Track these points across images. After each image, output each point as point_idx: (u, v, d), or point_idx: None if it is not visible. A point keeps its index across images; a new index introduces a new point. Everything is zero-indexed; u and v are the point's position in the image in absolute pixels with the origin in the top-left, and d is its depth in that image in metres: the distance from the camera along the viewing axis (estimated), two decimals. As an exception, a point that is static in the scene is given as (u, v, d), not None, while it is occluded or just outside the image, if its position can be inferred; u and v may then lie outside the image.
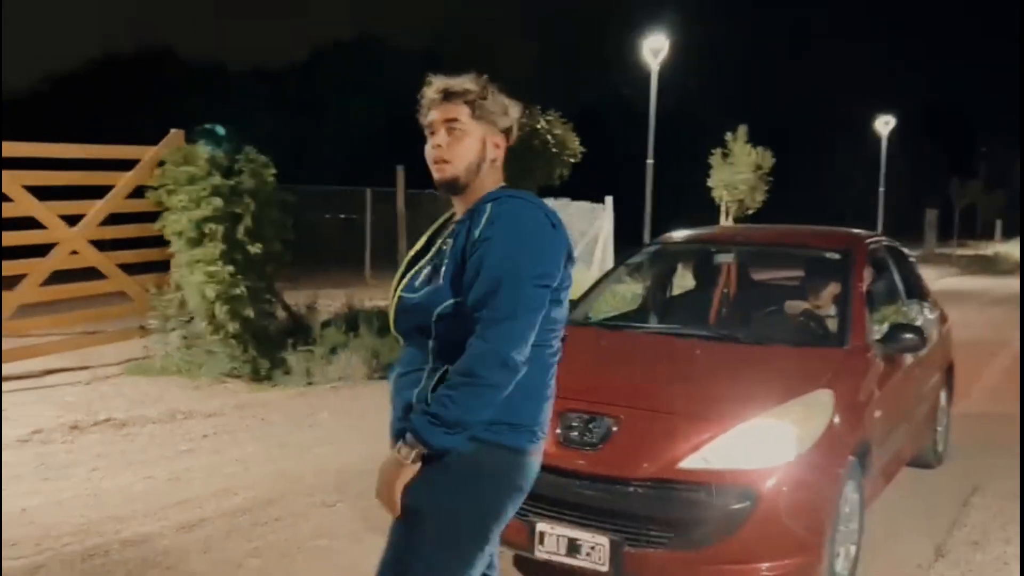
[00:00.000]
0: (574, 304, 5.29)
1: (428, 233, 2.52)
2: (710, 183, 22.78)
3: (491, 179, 2.43)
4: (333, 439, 6.59)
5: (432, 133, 2.41)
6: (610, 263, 16.94)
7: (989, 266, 33.83)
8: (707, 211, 23.19)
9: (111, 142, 9.11)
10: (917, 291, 6.08)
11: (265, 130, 26.59)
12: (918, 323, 5.28)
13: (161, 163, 8.65)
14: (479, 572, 2.39)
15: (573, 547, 3.75)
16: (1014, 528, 4.89)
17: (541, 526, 3.81)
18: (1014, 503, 5.26)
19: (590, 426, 3.88)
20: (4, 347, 8.08)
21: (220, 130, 9.07)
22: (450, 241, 2.36)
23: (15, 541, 4.43)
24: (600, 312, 6.25)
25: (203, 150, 8.50)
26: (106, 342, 8.92)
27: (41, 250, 8.31)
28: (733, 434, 3.71)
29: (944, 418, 6.21)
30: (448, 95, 2.38)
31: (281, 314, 9.52)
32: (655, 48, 20.40)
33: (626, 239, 18.04)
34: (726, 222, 22.11)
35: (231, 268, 8.12)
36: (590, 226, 17.31)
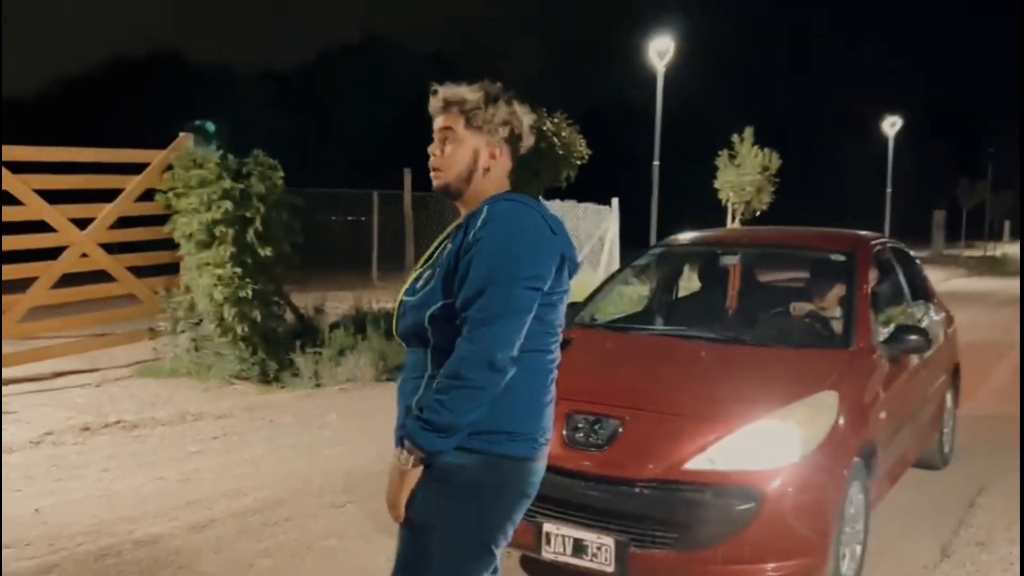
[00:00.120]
0: (581, 306, 5.33)
1: (439, 240, 2.53)
2: (716, 185, 22.77)
3: (492, 185, 2.43)
4: (342, 440, 6.63)
5: (433, 141, 2.47)
6: (616, 265, 16.96)
7: (997, 267, 33.78)
8: (713, 213, 23.18)
9: (119, 145, 9.17)
10: (922, 292, 6.10)
11: (272, 132, 26.71)
12: (923, 324, 5.30)
13: (170, 167, 8.72)
14: None
15: (579, 548, 3.78)
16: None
17: (547, 527, 3.84)
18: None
19: (596, 427, 3.91)
20: (15, 350, 8.17)
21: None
22: (448, 245, 2.39)
23: (29, 541, 4.49)
24: (606, 314, 6.28)
25: (208, 152, 8.56)
26: (115, 344, 8.98)
27: (50, 253, 8.37)
28: (738, 435, 3.73)
29: (950, 419, 6.22)
30: (446, 104, 2.42)
31: (289, 316, 9.57)
32: (661, 50, 20.38)
33: (632, 241, 18.04)
34: (733, 224, 22.11)
35: (240, 271, 8.17)
36: (596, 228, 17.33)
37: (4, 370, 7.86)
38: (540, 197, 13.23)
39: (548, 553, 3.86)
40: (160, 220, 8.76)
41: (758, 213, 22.75)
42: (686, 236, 5.97)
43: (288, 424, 7.08)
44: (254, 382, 8.32)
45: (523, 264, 2.25)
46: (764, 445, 3.72)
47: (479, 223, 2.29)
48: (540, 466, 2.39)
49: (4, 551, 4.36)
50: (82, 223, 8.49)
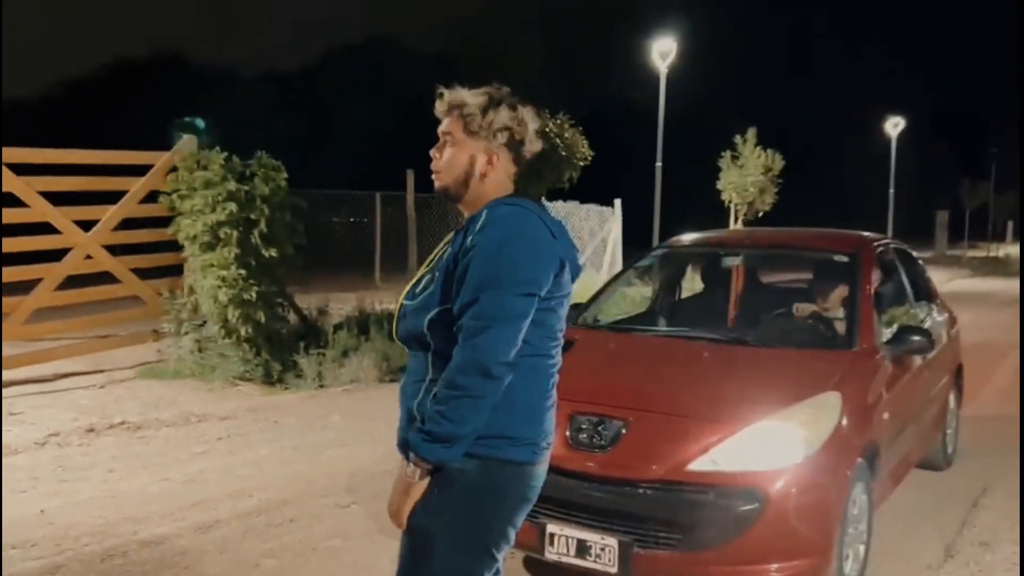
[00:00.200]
0: (583, 306, 5.35)
1: (443, 243, 2.53)
2: (719, 185, 22.77)
3: (491, 190, 2.43)
4: (346, 441, 6.65)
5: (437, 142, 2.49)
6: (619, 266, 16.97)
7: (1000, 268, 33.73)
8: (715, 214, 23.19)
9: (121, 146, 9.19)
10: (925, 293, 6.11)
11: (275, 133, 26.74)
12: (926, 325, 5.31)
13: (173, 168, 8.74)
14: None
15: (582, 548, 3.79)
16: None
17: (551, 527, 3.85)
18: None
19: (599, 428, 3.92)
20: (20, 351, 8.20)
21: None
22: (448, 248, 2.39)
23: (35, 541, 4.51)
24: (609, 315, 6.30)
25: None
26: (119, 346, 9.01)
27: (54, 255, 8.40)
28: (742, 436, 3.74)
29: (953, 420, 6.22)
30: (449, 108, 2.43)
31: (293, 318, 9.59)
32: (663, 51, 20.40)
33: (634, 242, 18.07)
34: (735, 225, 22.11)
35: (244, 272, 8.19)
36: (599, 229, 17.36)
37: (9, 372, 7.90)
38: (543, 198, 13.25)
39: (551, 554, 3.87)
40: (164, 222, 8.78)
41: (761, 214, 22.75)
42: (689, 237, 5.98)
43: (292, 425, 7.10)
44: (258, 383, 8.34)
45: (519, 269, 2.24)
46: (767, 446, 3.73)
47: (477, 227, 2.30)
48: (541, 470, 2.39)
49: (10, 552, 4.39)
50: (86, 225, 8.51)
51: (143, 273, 9.03)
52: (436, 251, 2.49)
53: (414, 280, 2.44)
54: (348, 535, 4.74)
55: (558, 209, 15.50)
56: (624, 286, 6.59)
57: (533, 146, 2.47)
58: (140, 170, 8.87)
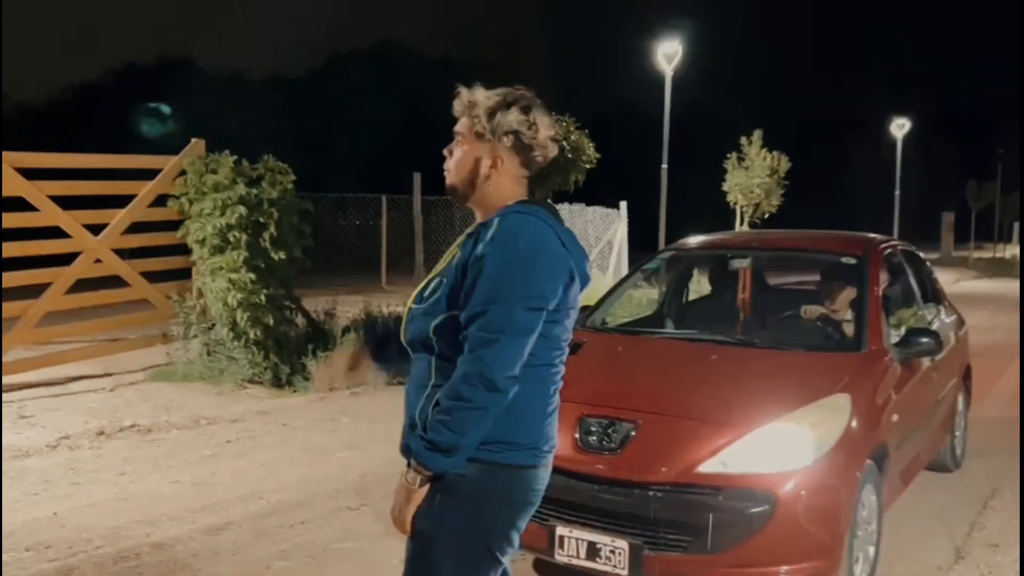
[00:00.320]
0: (591, 309, 5.36)
1: (455, 245, 2.50)
2: (725, 187, 22.78)
3: (497, 192, 2.41)
4: (355, 443, 6.67)
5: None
6: (625, 268, 16.98)
7: (1007, 269, 33.65)
8: (720, 216, 23.20)
9: (129, 150, 9.25)
10: (933, 295, 6.11)
11: (282, 137, 26.78)
12: (934, 327, 5.31)
13: (182, 172, 8.78)
14: None
15: (593, 551, 3.80)
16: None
17: (561, 530, 3.86)
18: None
19: (609, 431, 3.93)
20: (29, 355, 8.24)
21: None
22: (458, 254, 2.37)
23: (48, 544, 4.54)
24: (616, 317, 6.31)
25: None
26: (129, 349, 9.05)
27: (64, 259, 8.44)
28: (751, 438, 3.75)
29: (962, 422, 6.23)
30: (463, 108, 2.42)
31: (300, 321, 9.62)
32: (668, 53, 20.42)
33: (640, 244, 18.07)
34: (741, 227, 22.11)
35: (253, 275, 8.23)
36: (605, 231, 17.37)
37: (20, 375, 7.95)
38: (548, 200, 13.25)
39: (561, 556, 3.88)
40: (172, 226, 8.83)
41: (767, 216, 22.75)
42: (696, 240, 5.99)
43: (301, 427, 7.13)
44: (266, 386, 8.38)
45: (529, 284, 2.23)
46: (777, 448, 3.74)
47: (488, 236, 2.27)
48: (544, 474, 2.39)
49: (23, 554, 4.42)
50: (95, 229, 8.55)
51: (152, 277, 9.08)
52: (446, 256, 2.47)
53: (422, 284, 2.43)
54: (359, 537, 4.77)
55: (563, 211, 15.51)
56: (631, 289, 6.59)
57: (546, 151, 2.42)
58: (149, 174, 8.92)
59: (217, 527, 4.86)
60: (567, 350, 2.41)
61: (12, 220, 8.00)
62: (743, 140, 22.75)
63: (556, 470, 3.70)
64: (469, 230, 2.41)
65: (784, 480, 3.66)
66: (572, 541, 3.85)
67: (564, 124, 13.22)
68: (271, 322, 8.46)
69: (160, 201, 8.89)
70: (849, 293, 5.14)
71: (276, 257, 8.39)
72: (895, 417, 4.36)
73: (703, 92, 45.08)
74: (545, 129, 2.41)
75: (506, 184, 2.41)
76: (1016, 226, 49.84)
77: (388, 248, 18.53)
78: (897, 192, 36.54)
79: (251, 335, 8.36)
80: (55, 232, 8.33)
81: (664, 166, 19.95)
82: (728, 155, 22.82)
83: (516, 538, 2.38)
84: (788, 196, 23.21)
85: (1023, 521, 4.93)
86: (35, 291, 8.18)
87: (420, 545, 2.32)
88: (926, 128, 50.33)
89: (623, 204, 17.62)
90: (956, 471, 6.11)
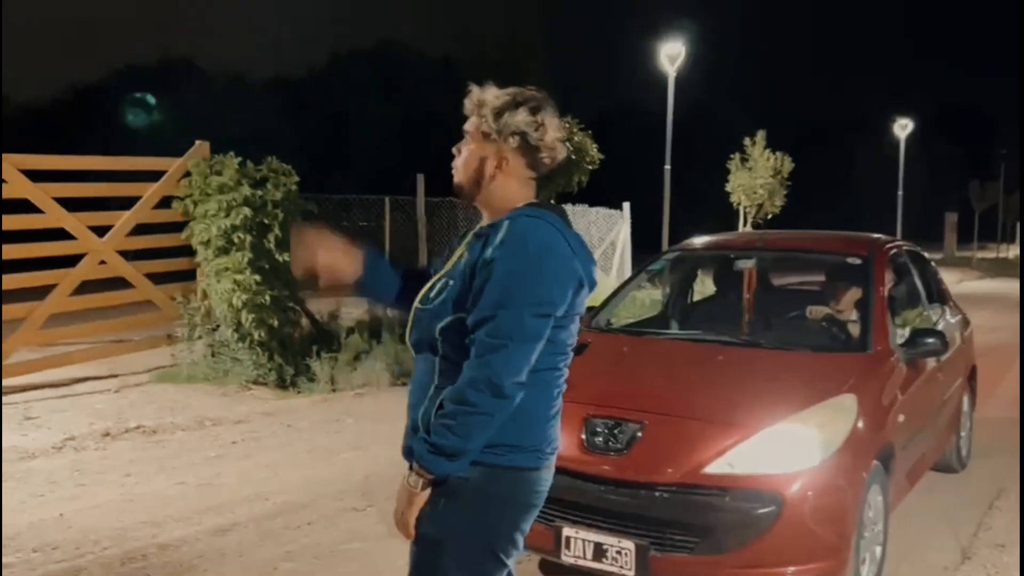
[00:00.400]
0: (596, 310, 5.36)
1: (459, 250, 2.46)
2: (728, 188, 22.79)
3: (503, 194, 2.39)
4: (359, 444, 6.68)
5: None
6: (628, 269, 16.98)
7: (1010, 269, 33.59)
8: (723, 216, 23.21)
9: (132, 152, 9.26)
10: (938, 295, 6.11)
11: (284, 138, 26.80)
12: (940, 327, 5.31)
13: (187, 173, 8.80)
14: None
15: (599, 552, 3.80)
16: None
17: (567, 531, 3.86)
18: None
19: (615, 432, 3.93)
20: (35, 356, 8.26)
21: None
22: (465, 254, 2.35)
23: (55, 545, 4.55)
24: (619, 318, 6.31)
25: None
26: (134, 351, 9.06)
27: (69, 261, 8.45)
28: (758, 439, 3.75)
29: (967, 422, 6.23)
30: (473, 106, 2.40)
31: (304, 322, 9.64)
32: (672, 54, 20.42)
33: (643, 245, 18.06)
34: (744, 227, 22.12)
35: (258, 277, 8.24)
36: (608, 232, 17.36)
37: (26, 376, 7.97)
38: (551, 202, 13.26)
39: (568, 557, 3.88)
40: (176, 227, 8.85)
41: (770, 216, 22.76)
42: (701, 240, 5.99)
43: (305, 429, 7.14)
44: (271, 387, 8.39)
45: (538, 290, 2.21)
46: (784, 449, 3.74)
47: (497, 239, 2.25)
48: (547, 475, 2.38)
49: (31, 555, 4.43)
50: (99, 230, 8.57)
51: (156, 278, 9.09)
52: (453, 257, 2.43)
53: (428, 285, 2.41)
54: (365, 538, 4.77)
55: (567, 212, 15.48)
56: (635, 289, 6.59)
57: (554, 153, 2.39)
58: (153, 175, 8.93)
59: (223, 528, 4.86)
60: (571, 354, 2.40)
61: (18, 222, 8.03)
62: (746, 141, 22.77)
63: (562, 471, 3.72)
64: (476, 230, 2.40)
65: (791, 481, 3.66)
66: (578, 542, 3.86)
67: (568, 125, 13.22)
68: (276, 323, 8.48)
69: (165, 203, 8.90)
70: (854, 293, 5.14)
71: (280, 258, 8.41)
72: (901, 417, 4.36)
73: (705, 93, 45.13)
74: (553, 131, 2.37)
75: (512, 185, 2.39)
76: (1019, 226, 49.76)
77: (391, 249, 18.52)
78: (900, 192, 36.51)
79: (256, 336, 8.38)
80: (58, 234, 8.34)
81: (667, 167, 19.95)
82: (731, 156, 22.84)
83: (520, 540, 2.37)
84: (791, 196, 23.22)
85: (1023, 520, 4.93)
86: (38, 293, 8.20)
87: (424, 549, 2.32)
88: (928, 128, 50.28)
89: (626, 205, 17.61)
90: (962, 472, 6.10)
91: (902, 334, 4.77)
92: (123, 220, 8.67)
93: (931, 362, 5.00)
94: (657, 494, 3.73)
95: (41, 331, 8.22)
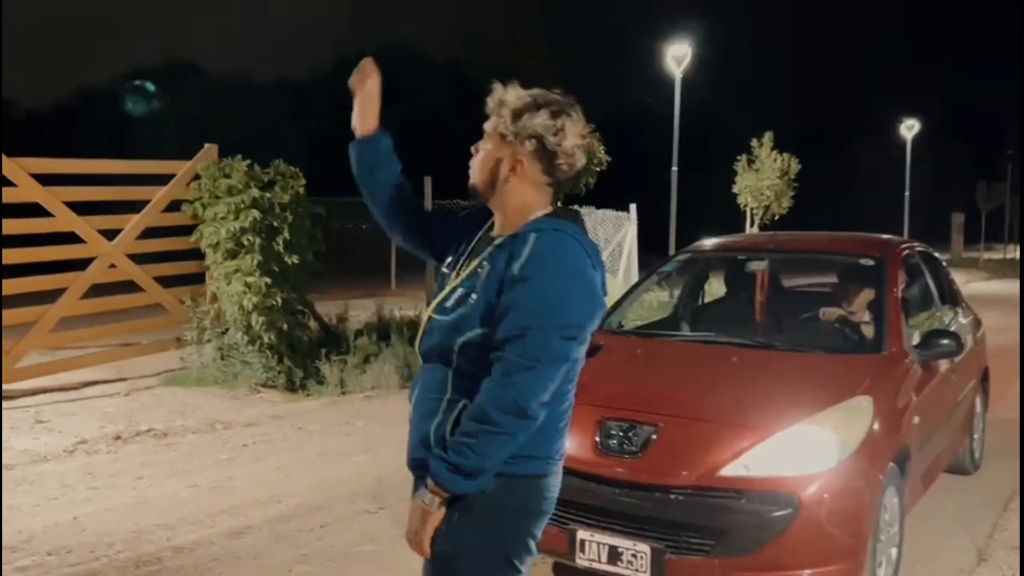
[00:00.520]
0: (607, 313, 5.34)
1: (474, 258, 2.38)
2: (735, 190, 22.77)
3: (517, 198, 2.34)
4: (369, 447, 6.68)
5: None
6: (635, 271, 16.96)
7: (1017, 270, 33.49)
8: (730, 218, 23.19)
9: (138, 156, 9.28)
10: (951, 296, 6.10)
11: (290, 141, 26.83)
12: (952, 328, 5.29)
13: (196, 177, 8.81)
14: None
15: (614, 555, 3.79)
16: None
17: (581, 534, 3.85)
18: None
19: (630, 434, 3.92)
20: (45, 360, 8.28)
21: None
22: (487, 266, 2.29)
23: (70, 548, 4.55)
24: (628, 320, 6.30)
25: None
26: (144, 354, 9.08)
27: (77, 264, 8.48)
28: (773, 441, 3.74)
29: (980, 423, 6.21)
30: (494, 105, 2.35)
31: (313, 325, 9.65)
32: (678, 55, 20.42)
33: (650, 247, 18.06)
34: (752, 229, 22.10)
35: (268, 279, 8.25)
36: (615, 234, 17.33)
37: (36, 380, 7.99)
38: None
39: (582, 560, 3.87)
40: (185, 231, 8.87)
41: (777, 218, 22.74)
42: (712, 242, 5.98)
43: (315, 431, 7.14)
44: (280, 390, 8.39)
45: (567, 313, 2.18)
46: (800, 451, 3.73)
47: (525, 255, 2.20)
48: (555, 480, 2.36)
49: (46, 558, 4.44)
50: (108, 234, 8.59)
51: (165, 281, 9.11)
52: (470, 265, 2.35)
53: (444, 294, 2.35)
54: (379, 540, 4.77)
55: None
56: (648, 291, 6.58)
57: (572, 160, 2.33)
58: (161, 179, 8.95)
59: (237, 531, 4.86)
60: (580, 368, 2.36)
61: (27, 226, 8.07)
62: (753, 142, 22.75)
63: (576, 473, 3.75)
64: (498, 242, 2.32)
65: (807, 483, 3.65)
66: (593, 545, 3.85)
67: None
68: (285, 326, 8.49)
69: (173, 206, 8.92)
70: (867, 295, 5.13)
71: (289, 261, 8.42)
72: (916, 419, 4.35)
73: (712, 93, 45.07)
74: (573, 138, 2.31)
75: (528, 190, 2.33)
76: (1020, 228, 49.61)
77: (397, 251, 18.54)
78: (907, 193, 36.45)
79: (265, 339, 8.38)
80: (65, 238, 8.37)
81: (674, 168, 19.93)
82: (738, 157, 22.82)
83: (534, 546, 2.35)
84: (797, 198, 23.20)
85: (1023, 523, 4.90)
86: (42, 297, 8.21)
87: (440, 566, 2.28)
88: (935, 129, 50.20)
89: (633, 207, 17.59)
90: (975, 473, 6.08)
91: (916, 335, 4.75)
92: (132, 223, 8.68)
93: (945, 364, 4.98)
94: (672, 497, 3.72)
95: (51, 335, 8.24)
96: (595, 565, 3.84)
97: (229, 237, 8.27)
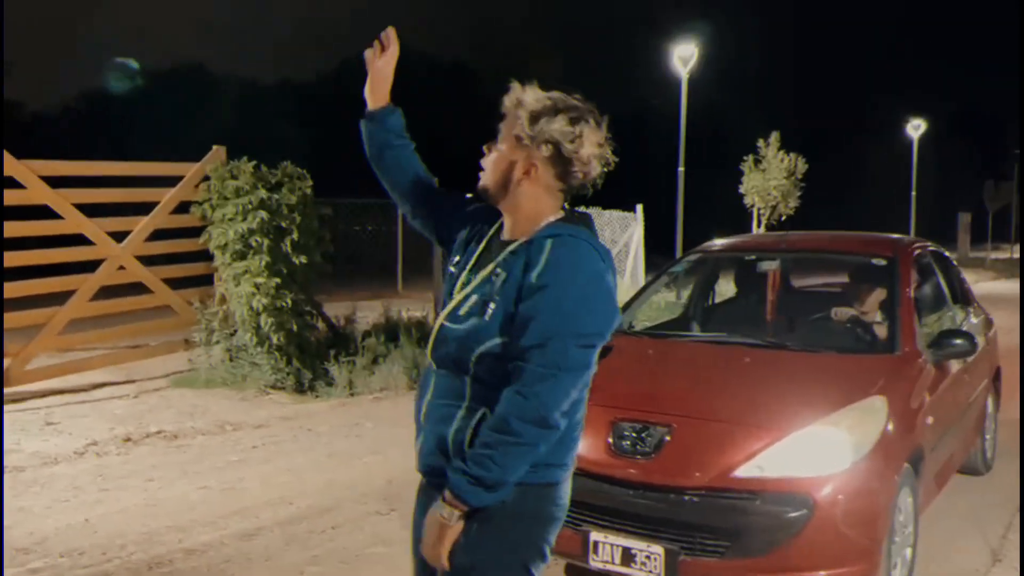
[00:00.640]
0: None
1: (479, 247, 2.37)
2: (742, 190, 22.74)
3: (530, 202, 2.30)
4: (379, 448, 6.67)
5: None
6: (641, 271, 16.95)
7: (1024, 269, 33.36)
8: (737, 218, 23.15)
9: (143, 157, 9.30)
10: (962, 296, 6.07)
11: (295, 142, 26.84)
12: (964, 328, 5.27)
13: (205, 178, 8.82)
14: None
15: (628, 556, 3.78)
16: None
17: (595, 535, 3.84)
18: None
19: (643, 435, 3.91)
20: (53, 362, 8.29)
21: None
22: (502, 273, 2.25)
23: (82, 550, 4.55)
24: (638, 321, 6.28)
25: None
26: (153, 355, 9.09)
27: (86, 266, 8.49)
28: (788, 442, 3.73)
29: (992, 424, 6.18)
30: (511, 105, 2.30)
31: (321, 326, 9.65)
32: (684, 56, 20.41)
33: (656, 247, 18.03)
34: (759, 229, 22.07)
35: (278, 280, 8.26)
36: (621, 235, 17.31)
37: (45, 382, 8.00)
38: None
39: (596, 562, 3.86)
40: (193, 232, 8.88)
41: (784, 218, 22.71)
42: (722, 242, 5.96)
43: (325, 433, 7.14)
44: (289, 392, 8.38)
45: (587, 322, 2.16)
46: (814, 451, 3.72)
47: (543, 263, 2.18)
48: (567, 486, 2.34)
49: (58, 560, 4.44)
50: (117, 236, 8.59)
51: (174, 283, 9.11)
52: (486, 271, 2.29)
53: (457, 301, 2.30)
54: (390, 542, 4.76)
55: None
56: (658, 292, 6.56)
57: (587, 169, 2.28)
58: (170, 181, 8.95)
59: (248, 533, 4.86)
60: (592, 373, 2.31)
61: (37, 228, 8.09)
62: (760, 142, 22.73)
63: (589, 474, 3.74)
64: (512, 248, 2.28)
65: (822, 484, 3.64)
66: (607, 547, 3.84)
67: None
68: (295, 327, 8.49)
69: (181, 208, 8.93)
70: (879, 295, 5.11)
71: (297, 262, 8.43)
72: (930, 419, 4.33)
73: (719, 93, 45.03)
74: (590, 146, 2.26)
75: (541, 194, 2.29)
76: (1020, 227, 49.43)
77: (404, 253, 18.56)
78: (913, 193, 36.37)
79: (274, 340, 8.39)
80: (71, 239, 8.38)
81: (681, 168, 19.92)
82: (744, 157, 22.80)
83: (548, 552, 2.33)
84: (803, 198, 23.16)
85: (1023, 530, 4.87)
86: (52, 299, 8.22)
87: None
88: (942, 128, 50.09)
89: (639, 207, 17.57)
90: (987, 474, 6.05)
91: (928, 335, 4.73)
92: (141, 225, 8.69)
93: (957, 364, 4.96)
94: (686, 498, 3.71)
95: (60, 337, 8.25)
96: (608, 567, 3.83)
97: (237, 238, 8.28)
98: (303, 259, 8.50)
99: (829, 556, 3.64)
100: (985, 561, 4.57)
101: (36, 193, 7.88)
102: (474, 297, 2.26)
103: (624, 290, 13.07)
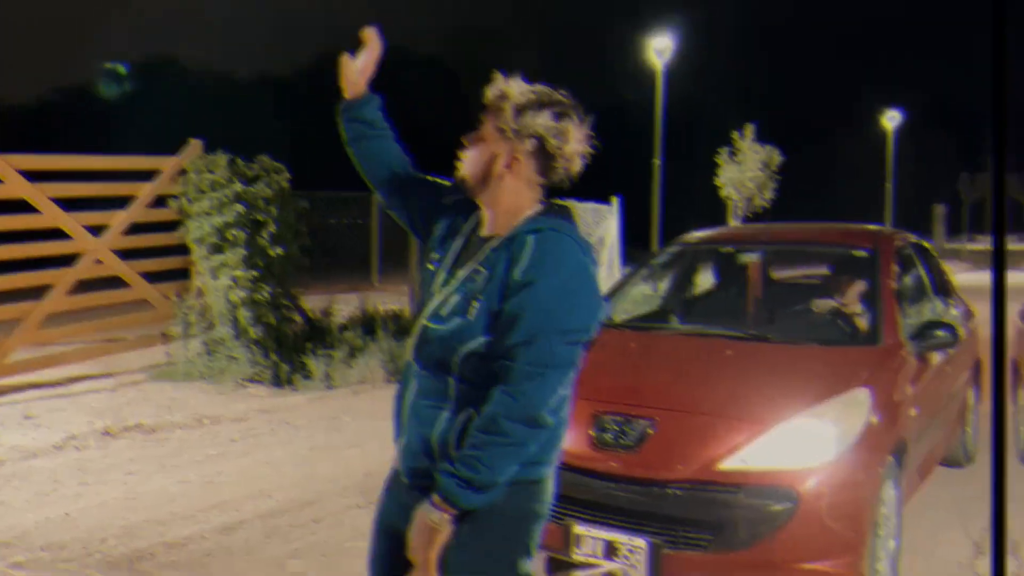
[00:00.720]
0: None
1: (458, 243, 2.34)
2: (717, 182, 22.82)
3: (510, 196, 2.27)
4: (358, 441, 6.64)
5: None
6: (618, 265, 16.94)
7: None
8: (712, 210, 23.25)
9: (119, 151, 9.22)
10: (944, 288, 6.10)
11: (272, 135, 26.65)
12: (947, 319, 5.29)
13: (182, 172, 8.75)
14: None
15: (611, 550, 3.77)
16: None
17: (578, 529, 3.83)
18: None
19: (625, 428, 3.90)
20: (31, 355, 8.20)
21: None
22: (483, 271, 2.22)
23: (63, 544, 4.51)
24: (621, 313, 6.26)
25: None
26: (130, 349, 9.00)
27: (64, 260, 8.40)
28: (772, 434, 3.73)
29: (973, 416, 6.22)
30: (494, 98, 2.28)
31: (298, 318, 9.59)
32: (660, 48, 20.43)
33: (632, 240, 18.03)
34: (734, 221, 22.14)
35: (254, 273, 8.21)
36: (596, 227, 17.27)
37: (22, 376, 7.90)
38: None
39: (579, 555, 3.85)
40: (169, 226, 8.81)
41: (761, 210, 22.82)
42: (704, 233, 5.95)
43: (304, 426, 7.10)
44: (267, 385, 8.32)
45: (573, 318, 2.14)
46: (799, 444, 3.72)
47: (527, 260, 2.16)
48: (551, 483, 2.33)
49: (39, 554, 4.40)
50: (95, 230, 8.51)
51: (151, 277, 9.04)
52: (464, 267, 2.27)
53: (439, 301, 2.26)
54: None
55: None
56: (639, 283, 6.55)
57: (570, 165, 2.28)
58: (146, 175, 8.88)
59: (228, 526, 4.83)
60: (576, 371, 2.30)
61: (14, 222, 7.99)
62: (735, 134, 22.81)
63: (571, 467, 3.72)
64: (493, 244, 2.25)
65: (806, 476, 3.65)
66: (589, 540, 3.82)
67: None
68: (272, 320, 8.44)
69: (158, 201, 8.86)
70: (858, 286, 5.10)
71: (274, 255, 8.38)
72: (913, 411, 4.34)
73: (694, 85, 45.08)
74: (575, 143, 2.26)
75: (522, 188, 2.27)
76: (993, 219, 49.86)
77: (381, 246, 18.50)
78: (890, 184, 36.65)
79: (252, 333, 8.33)
80: (48, 233, 8.29)
81: (657, 160, 19.95)
82: (719, 149, 22.88)
83: (534, 547, 2.32)
84: (781, 189, 23.28)
85: (994, 522, 4.90)
86: (29, 293, 8.13)
87: None
88: (918, 120, 50.42)
89: (615, 200, 17.53)
90: (968, 466, 6.09)
91: (911, 327, 4.75)
92: (119, 219, 8.60)
93: (940, 355, 4.98)
94: (670, 491, 3.71)
95: (38, 331, 8.15)
96: (592, 560, 3.82)
97: (214, 232, 8.22)
98: (280, 252, 8.45)
99: (813, 549, 3.65)
100: (968, 553, 4.60)
101: (14, 187, 7.78)
102: (457, 296, 2.23)
103: (601, 283, 13.02)
